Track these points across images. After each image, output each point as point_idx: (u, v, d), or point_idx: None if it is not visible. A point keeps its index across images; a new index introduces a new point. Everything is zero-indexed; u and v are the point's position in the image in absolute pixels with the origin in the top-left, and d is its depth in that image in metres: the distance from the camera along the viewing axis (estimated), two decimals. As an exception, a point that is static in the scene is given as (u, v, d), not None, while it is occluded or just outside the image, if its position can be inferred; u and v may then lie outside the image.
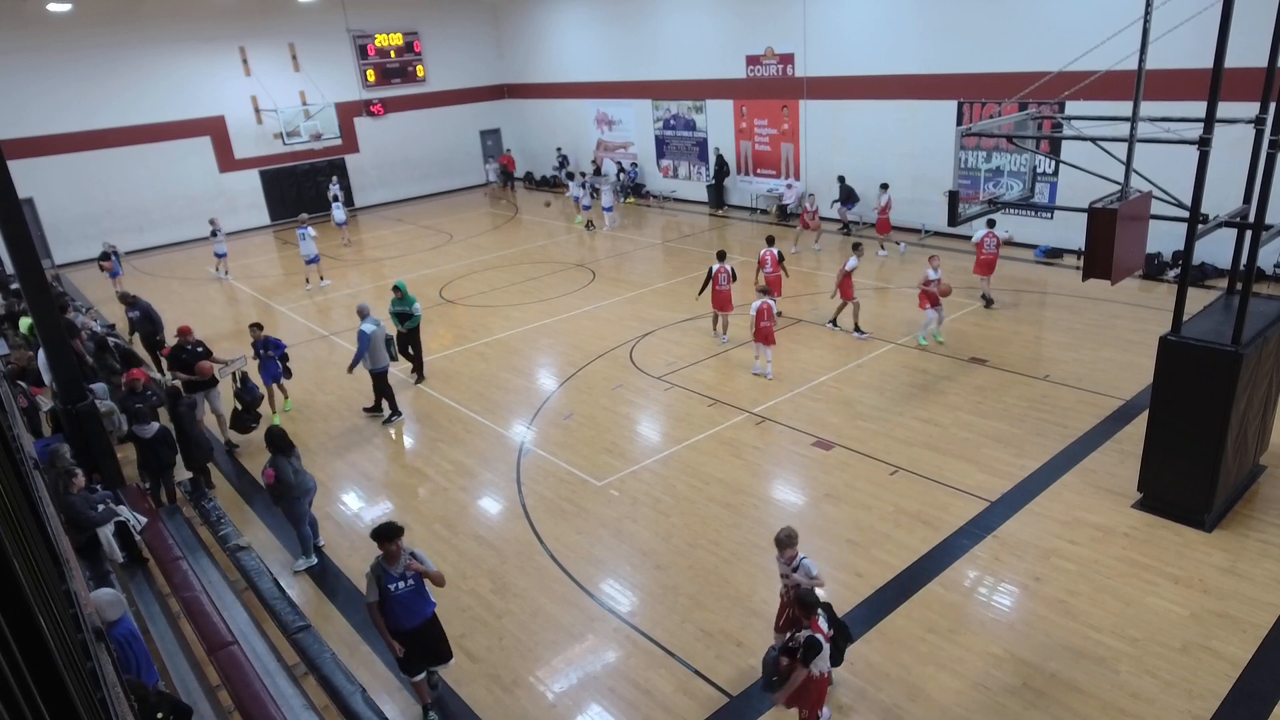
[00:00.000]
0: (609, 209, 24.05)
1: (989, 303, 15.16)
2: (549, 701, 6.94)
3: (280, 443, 8.88)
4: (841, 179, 20.91)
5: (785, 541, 6.63)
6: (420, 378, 13.89)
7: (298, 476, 8.89)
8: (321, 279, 20.24)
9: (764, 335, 12.56)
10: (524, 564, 8.76)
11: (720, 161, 24.67)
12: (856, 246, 14.39)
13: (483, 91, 32.25)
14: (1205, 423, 8.02)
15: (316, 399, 13.47)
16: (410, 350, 13.74)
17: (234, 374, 11.76)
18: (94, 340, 13.59)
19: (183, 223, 26.63)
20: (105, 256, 20.01)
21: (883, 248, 19.19)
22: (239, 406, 11.70)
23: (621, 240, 22.75)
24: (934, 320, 13.35)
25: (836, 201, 21.03)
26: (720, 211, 25.04)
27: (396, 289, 13.42)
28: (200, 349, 11.65)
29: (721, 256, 14.34)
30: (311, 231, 19.56)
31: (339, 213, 24.47)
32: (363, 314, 12.05)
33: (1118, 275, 7.52)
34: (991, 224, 14.78)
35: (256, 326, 12.45)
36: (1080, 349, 12.90)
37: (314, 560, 9.19)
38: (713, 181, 25.09)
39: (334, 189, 26.88)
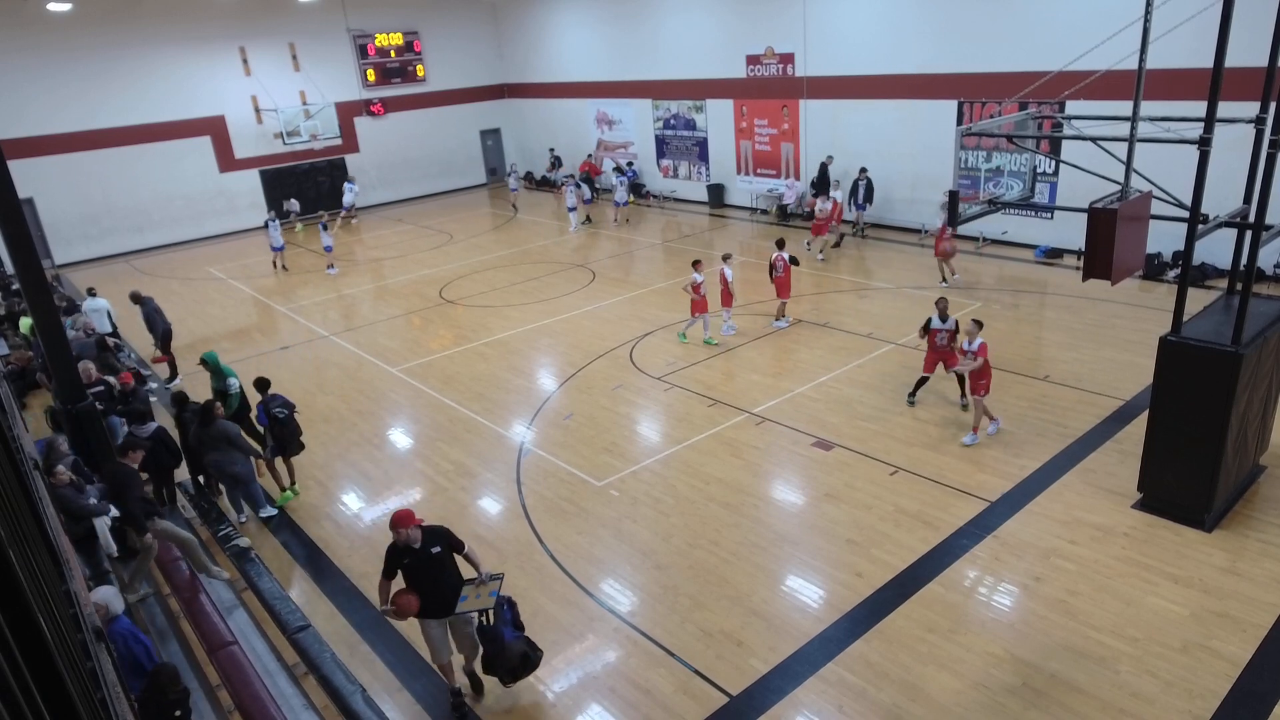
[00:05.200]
0: (572, 209, 24.01)
1: (839, 242, 19.62)
2: (549, 701, 6.94)
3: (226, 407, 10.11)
4: (863, 169, 20.13)
5: None
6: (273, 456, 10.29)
7: (225, 449, 9.64)
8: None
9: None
10: (524, 564, 8.76)
11: (824, 170, 21.34)
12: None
13: (483, 91, 32.23)
14: (1205, 423, 8.02)
15: (317, 400, 13.45)
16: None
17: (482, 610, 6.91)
18: (95, 341, 13.59)
19: (182, 223, 26.69)
20: (138, 299, 14.79)
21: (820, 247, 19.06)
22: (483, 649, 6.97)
23: (621, 240, 22.74)
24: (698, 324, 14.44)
25: (864, 202, 20.29)
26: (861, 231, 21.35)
27: (204, 362, 10.88)
28: (437, 549, 6.59)
29: (726, 258, 14.42)
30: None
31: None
32: None
33: (1118, 275, 7.52)
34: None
35: (262, 383, 10.20)
36: (1080, 349, 12.90)
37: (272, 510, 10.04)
38: (814, 191, 21.96)
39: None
